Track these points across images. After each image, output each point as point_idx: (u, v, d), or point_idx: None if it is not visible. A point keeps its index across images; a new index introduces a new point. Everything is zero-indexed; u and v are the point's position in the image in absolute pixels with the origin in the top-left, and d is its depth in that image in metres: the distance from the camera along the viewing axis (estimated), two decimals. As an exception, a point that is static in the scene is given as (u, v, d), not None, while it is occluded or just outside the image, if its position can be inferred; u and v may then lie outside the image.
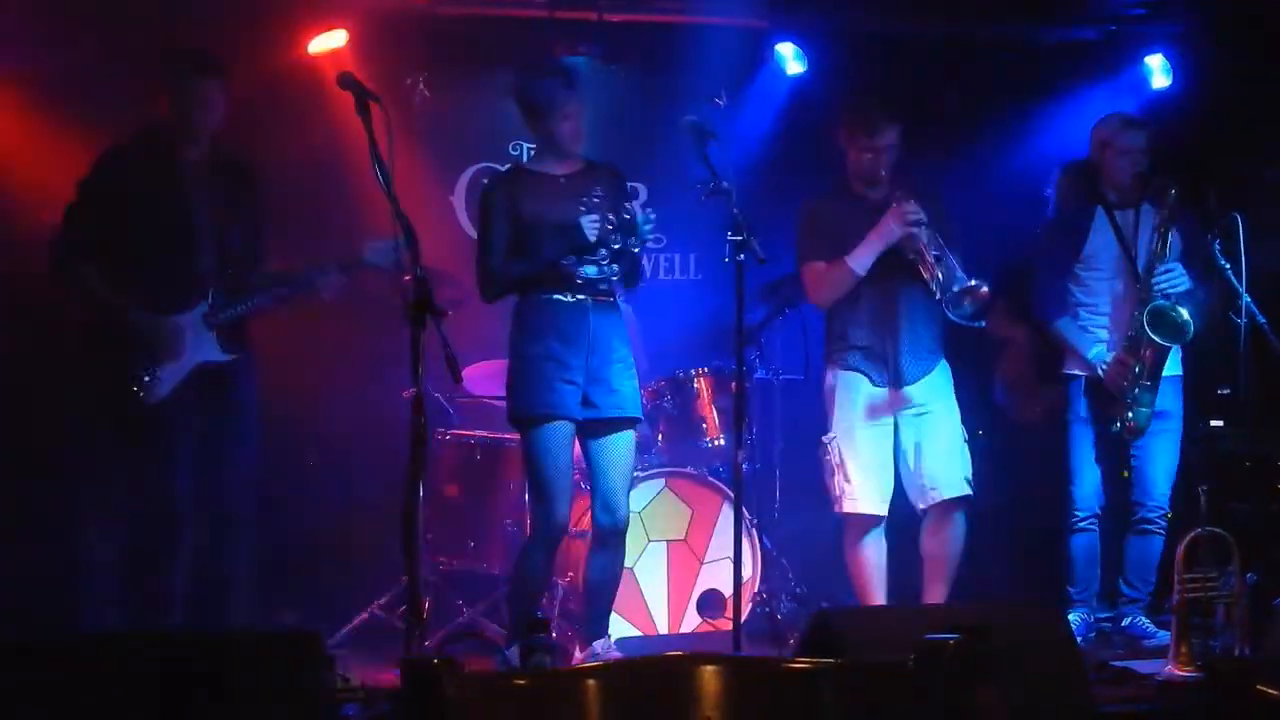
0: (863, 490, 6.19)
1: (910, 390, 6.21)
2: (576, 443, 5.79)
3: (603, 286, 5.80)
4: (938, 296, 6.05)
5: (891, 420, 6.23)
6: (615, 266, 5.78)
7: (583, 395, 5.69)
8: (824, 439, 6.28)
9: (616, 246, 5.68)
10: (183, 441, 5.90)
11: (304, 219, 6.92)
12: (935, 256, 6.05)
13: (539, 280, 5.72)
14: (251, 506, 6.13)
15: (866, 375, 6.22)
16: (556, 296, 5.71)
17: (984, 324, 6.15)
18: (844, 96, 6.69)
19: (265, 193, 6.24)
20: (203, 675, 3.86)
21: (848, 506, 6.21)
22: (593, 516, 5.88)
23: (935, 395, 6.26)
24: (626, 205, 5.73)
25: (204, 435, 5.95)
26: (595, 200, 5.70)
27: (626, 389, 5.80)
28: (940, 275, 6.03)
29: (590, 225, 5.62)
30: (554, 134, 5.82)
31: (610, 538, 5.83)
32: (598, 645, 5.86)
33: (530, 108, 5.85)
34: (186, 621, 5.89)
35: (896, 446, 6.25)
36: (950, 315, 6.06)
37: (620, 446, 5.80)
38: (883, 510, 6.23)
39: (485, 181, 5.96)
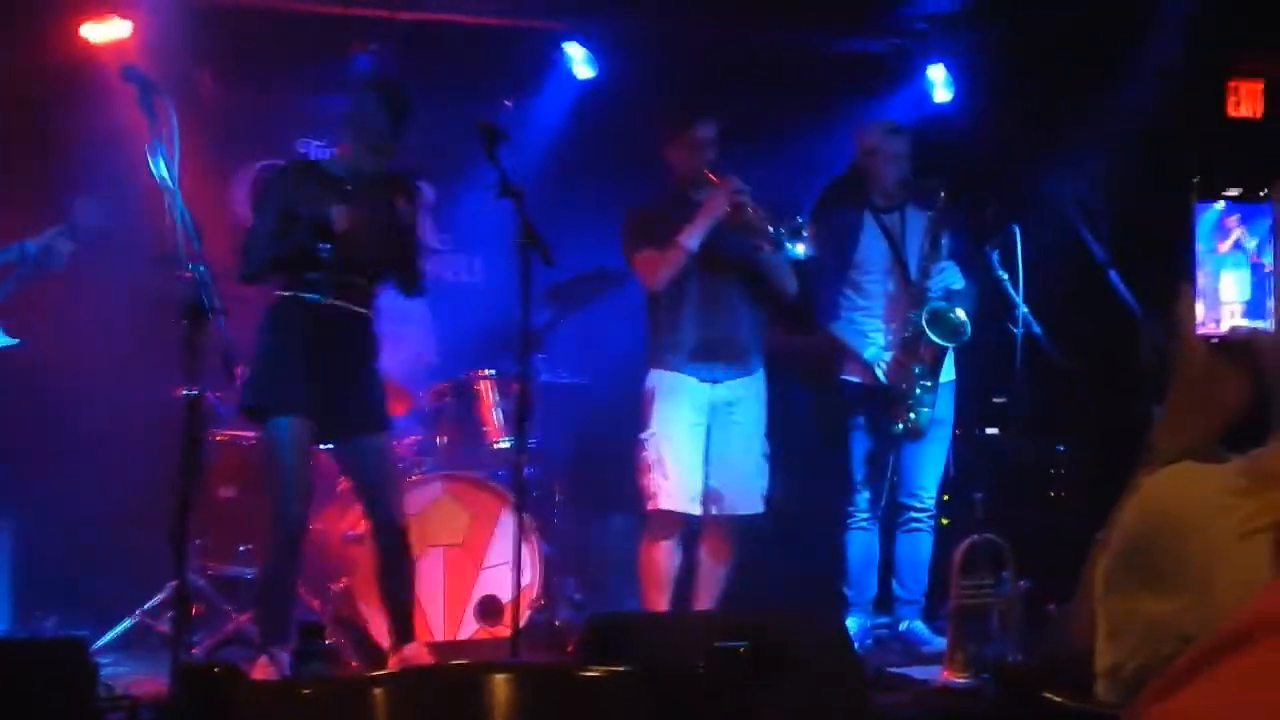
0: (678, 489, 6.15)
1: (727, 393, 6.23)
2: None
3: (356, 296, 5.67)
4: (774, 246, 6.08)
5: (706, 423, 6.22)
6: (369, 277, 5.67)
7: (324, 400, 5.53)
8: (642, 436, 6.23)
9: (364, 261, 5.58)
10: None
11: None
12: (765, 221, 6.08)
13: (293, 277, 5.57)
14: None
15: (690, 375, 6.20)
16: (307, 297, 5.56)
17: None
18: (657, 98, 6.69)
19: None
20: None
21: (663, 504, 6.16)
22: (368, 526, 5.81)
23: (750, 402, 6.29)
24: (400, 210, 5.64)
25: None
26: (354, 196, 5.56)
27: (372, 398, 5.71)
28: (773, 228, 6.07)
29: (339, 215, 5.48)
30: (351, 149, 5.72)
31: (385, 542, 5.75)
32: (407, 650, 5.72)
33: (347, 113, 5.75)
34: None
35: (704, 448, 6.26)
36: (790, 252, 6.08)
37: (373, 451, 5.71)
38: (696, 510, 6.21)
39: (273, 168, 5.83)
